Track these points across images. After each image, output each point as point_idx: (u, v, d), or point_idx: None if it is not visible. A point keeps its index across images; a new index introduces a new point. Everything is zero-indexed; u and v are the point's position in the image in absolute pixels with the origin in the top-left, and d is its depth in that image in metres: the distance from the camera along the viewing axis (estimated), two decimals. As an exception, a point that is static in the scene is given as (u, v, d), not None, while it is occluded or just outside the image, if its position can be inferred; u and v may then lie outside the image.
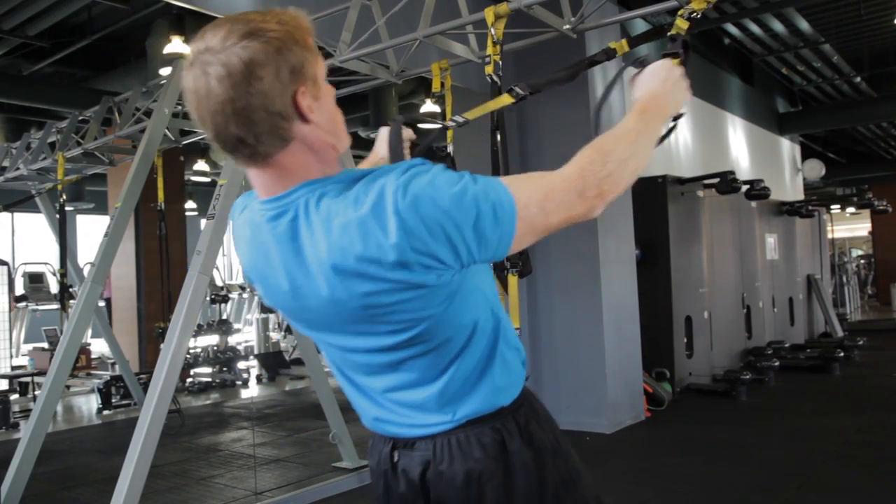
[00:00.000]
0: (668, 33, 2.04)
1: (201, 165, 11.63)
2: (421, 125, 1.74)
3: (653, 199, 6.71)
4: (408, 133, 1.59)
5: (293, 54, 1.06)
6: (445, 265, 1.07)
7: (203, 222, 4.20)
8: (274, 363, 9.42)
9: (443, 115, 5.46)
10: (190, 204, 13.34)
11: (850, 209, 15.83)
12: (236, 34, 1.04)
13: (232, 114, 1.04)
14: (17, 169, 7.21)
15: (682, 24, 1.93)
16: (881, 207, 11.44)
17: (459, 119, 1.82)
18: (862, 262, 19.48)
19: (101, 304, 8.72)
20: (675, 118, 1.35)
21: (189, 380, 8.50)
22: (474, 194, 1.05)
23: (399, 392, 1.23)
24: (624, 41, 2.67)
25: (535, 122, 5.87)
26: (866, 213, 16.83)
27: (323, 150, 1.14)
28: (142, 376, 7.51)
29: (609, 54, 2.65)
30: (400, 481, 1.26)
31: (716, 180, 7.17)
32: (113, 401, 7.38)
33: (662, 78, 1.34)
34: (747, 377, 6.69)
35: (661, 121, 1.29)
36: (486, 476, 1.19)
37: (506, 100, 2.51)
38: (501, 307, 1.27)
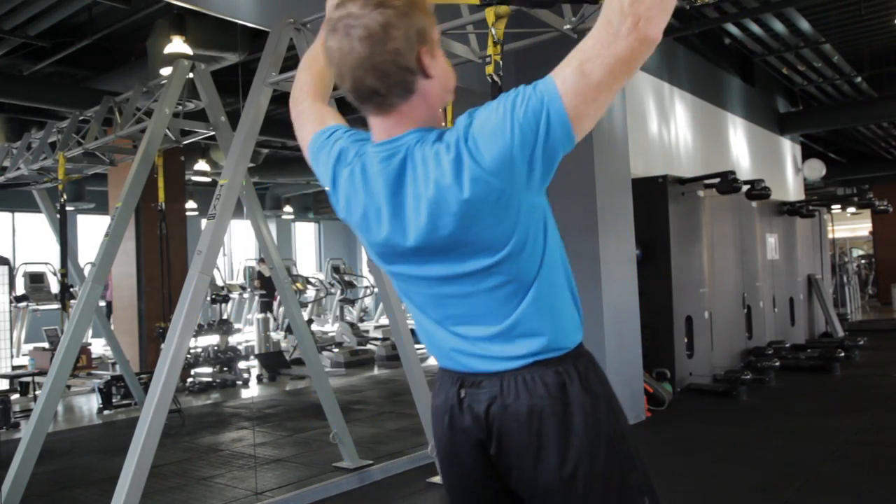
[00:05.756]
0: None
1: (202, 165, 11.63)
2: None
3: (653, 198, 6.71)
4: None
5: (418, 19, 1.25)
6: (515, 169, 1.20)
7: (203, 222, 4.20)
8: (274, 363, 9.41)
9: (443, 115, 5.43)
10: (190, 204, 13.35)
11: (851, 209, 15.78)
12: (372, 3, 1.22)
13: (371, 68, 1.24)
14: (18, 169, 7.22)
15: None
16: (882, 207, 11.43)
17: None
18: (862, 262, 19.47)
19: (102, 303, 8.75)
20: None
21: (189, 380, 8.49)
22: (513, 98, 1.21)
23: (470, 327, 1.35)
24: None
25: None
26: (867, 212, 16.81)
27: (436, 103, 1.32)
28: (142, 376, 7.51)
29: None
30: (465, 415, 1.37)
31: (716, 180, 7.16)
32: (113, 401, 7.38)
33: None
34: (748, 377, 6.69)
35: None
36: (547, 412, 1.30)
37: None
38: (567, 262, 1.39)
